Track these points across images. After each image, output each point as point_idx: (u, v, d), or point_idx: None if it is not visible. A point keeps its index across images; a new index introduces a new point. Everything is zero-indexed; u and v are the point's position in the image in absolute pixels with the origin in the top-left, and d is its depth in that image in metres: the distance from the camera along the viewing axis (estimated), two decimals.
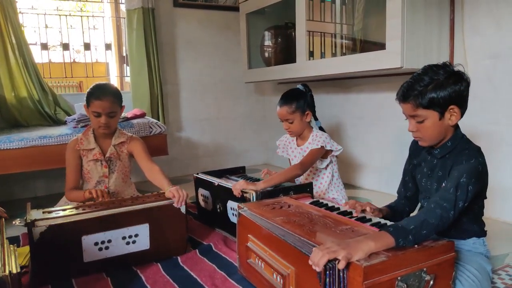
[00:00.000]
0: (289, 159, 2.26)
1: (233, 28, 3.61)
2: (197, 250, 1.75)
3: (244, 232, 1.44)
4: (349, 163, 2.99)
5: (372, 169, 2.87)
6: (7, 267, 0.98)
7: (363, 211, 1.38)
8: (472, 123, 1.90)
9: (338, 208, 1.44)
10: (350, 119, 2.99)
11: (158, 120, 3.16)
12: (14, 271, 0.96)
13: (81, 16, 3.36)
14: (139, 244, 1.62)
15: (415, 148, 1.48)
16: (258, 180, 1.95)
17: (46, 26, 3.12)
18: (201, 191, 2.14)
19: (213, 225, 2.07)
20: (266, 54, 3.34)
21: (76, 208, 1.62)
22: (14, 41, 2.72)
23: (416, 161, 1.47)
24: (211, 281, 1.47)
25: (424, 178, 1.41)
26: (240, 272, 1.51)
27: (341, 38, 3.08)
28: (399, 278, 1.00)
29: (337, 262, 0.98)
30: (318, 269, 0.99)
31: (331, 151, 2.05)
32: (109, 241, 1.55)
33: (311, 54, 2.83)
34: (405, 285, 1.01)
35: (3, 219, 1.45)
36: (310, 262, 1.01)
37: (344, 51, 2.99)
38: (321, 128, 2.22)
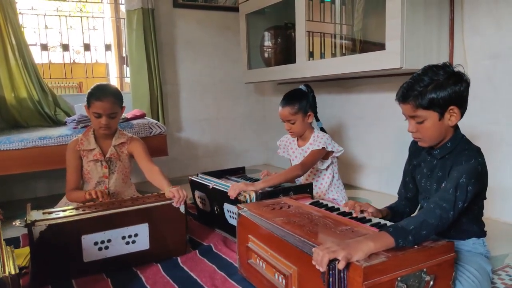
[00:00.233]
0: (290, 159, 2.26)
1: (232, 28, 3.61)
2: (197, 251, 1.76)
3: (244, 233, 1.44)
4: (349, 164, 2.98)
5: (372, 170, 2.87)
6: (6, 268, 0.98)
7: (362, 211, 1.38)
8: (472, 123, 1.90)
9: (338, 209, 1.45)
10: (350, 119, 2.99)
11: (158, 120, 3.16)
12: (13, 272, 0.96)
13: (81, 17, 3.36)
14: (138, 244, 1.62)
15: (414, 148, 1.48)
16: (258, 180, 1.95)
17: (46, 27, 3.12)
18: (198, 193, 2.13)
19: (212, 226, 2.07)
20: (266, 55, 3.34)
21: (76, 209, 1.61)
22: (14, 42, 2.72)
23: (415, 161, 1.47)
24: (211, 281, 1.47)
25: (424, 179, 1.41)
26: (240, 272, 1.51)
27: (341, 38, 3.08)
28: (399, 278, 1.00)
29: (337, 262, 0.98)
30: (322, 269, 0.99)
31: (332, 152, 2.05)
32: (109, 240, 1.56)
33: (311, 55, 2.83)
34: (405, 286, 1.01)
35: None
36: (313, 262, 1.01)
37: (343, 52, 2.99)
38: (322, 129, 2.22)
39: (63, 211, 1.58)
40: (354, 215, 1.36)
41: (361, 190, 2.88)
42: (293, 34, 2.90)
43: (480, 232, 1.36)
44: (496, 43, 2.05)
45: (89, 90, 1.94)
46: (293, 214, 1.40)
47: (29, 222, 1.42)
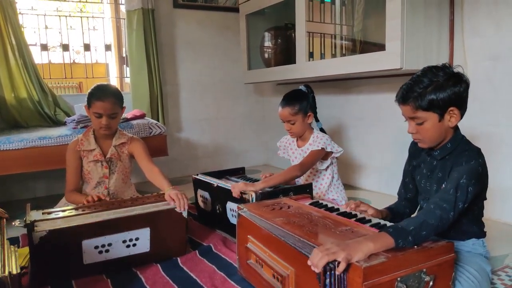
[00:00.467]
0: (290, 160, 2.26)
1: (232, 28, 3.61)
2: (197, 251, 1.76)
3: (243, 233, 1.44)
4: (349, 164, 2.99)
5: (372, 170, 2.87)
6: (6, 268, 0.98)
7: (362, 211, 1.38)
8: (472, 124, 1.91)
9: (338, 209, 1.45)
10: (350, 120, 2.99)
11: (158, 120, 3.16)
12: (14, 272, 0.96)
13: (81, 17, 3.36)
14: (139, 247, 1.61)
15: (414, 149, 1.48)
16: (258, 181, 1.95)
17: (46, 27, 3.12)
18: (200, 192, 2.14)
19: (213, 226, 2.07)
20: (266, 55, 3.34)
21: (76, 209, 1.61)
22: (14, 42, 2.72)
23: (415, 162, 1.47)
24: (210, 282, 1.47)
25: (424, 179, 1.41)
26: (240, 273, 1.51)
27: (341, 39, 3.08)
28: (398, 279, 1.01)
29: (337, 263, 0.98)
30: (317, 270, 0.99)
31: (332, 152, 2.05)
32: (110, 244, 1.55)
33: (311, 55, 2.83)
34: (405, 286, 1.01)
35: (4, 220, 1.45)
36: (309, 263, 1.01)
37: (344, 52, 2.99)
38: (322, 130, 2.22)
39: (63, 211, 1.58)
40: (353, 212, 1.37)
41: (361, 190, 2.88)
42: (293, 34, 2.90)
43: (480, 232, 1.36)
44: (496, 44, 2.05)
45: (89, 90, 1.94)
46: (293, 214, 1.40)
47: (29, 222, 1.42)
